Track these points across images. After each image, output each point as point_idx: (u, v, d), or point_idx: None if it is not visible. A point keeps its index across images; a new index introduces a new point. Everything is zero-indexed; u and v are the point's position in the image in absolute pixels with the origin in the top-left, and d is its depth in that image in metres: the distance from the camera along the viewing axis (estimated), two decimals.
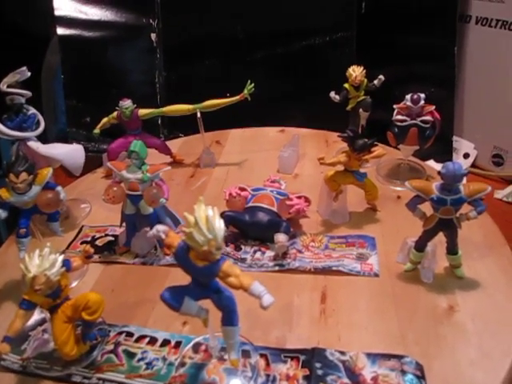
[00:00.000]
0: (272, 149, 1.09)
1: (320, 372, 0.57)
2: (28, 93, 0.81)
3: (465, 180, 0.67)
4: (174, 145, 1.14)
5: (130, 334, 0.65)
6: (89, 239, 0.85)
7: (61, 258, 0.56)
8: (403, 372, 0.56)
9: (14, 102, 0.80)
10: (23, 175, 0.66)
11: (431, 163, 1.32)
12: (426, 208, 0.67)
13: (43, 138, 0.86)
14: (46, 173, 0.70)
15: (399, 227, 0.81)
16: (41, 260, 0.54)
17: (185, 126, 1.27)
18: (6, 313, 0.71)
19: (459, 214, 0.65)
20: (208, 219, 0.45)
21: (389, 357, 0.58)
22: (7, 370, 0.62)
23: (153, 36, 1.50)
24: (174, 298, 0.49)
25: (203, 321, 0.52)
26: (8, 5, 1.62)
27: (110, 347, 0.63)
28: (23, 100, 0.81)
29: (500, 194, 1.39)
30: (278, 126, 1.22)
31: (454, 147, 1.50)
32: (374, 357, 0.58)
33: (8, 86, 0.78)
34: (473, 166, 1.53)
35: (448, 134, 1.46)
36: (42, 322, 0.68)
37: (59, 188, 0.71)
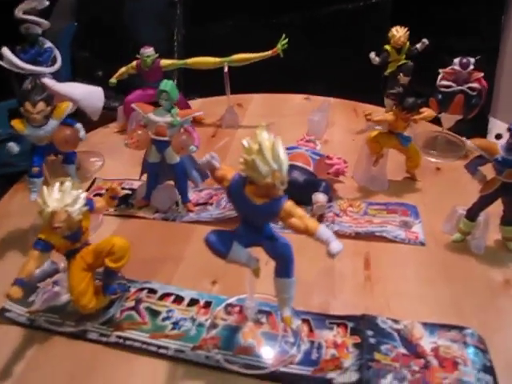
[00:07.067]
0: (297, 114, 1.02)
1: (373, 340, 0.50)
2: (46, 22, 0.72)
3: None
4: (192, 105, 1.06)
5: (152, 291, 0.58)
6: (102, 192, 0.78)
7: (84, 194, 0.49)
8: (465, 344, 0.50)
9: (29, 32, 0.71)
10: (40, 105, 0.59)
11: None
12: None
13: None
14: (65, 107, 0.63)
15: (441, 198, 0.75)
16: (61, 195, 0.47)
17: (201, 89, 1.20)
18: (11, 262, 0.64)
19: None
20: (274, 147, 0.38)
21: (448, 328, 0.52)
22: (13, 322, 0.54)
23: None
24: (222, 242, 0.42)
25: (254, 271, 0.45)
26: None
27: (131, 304, 0.56)
28: (40, 31, 0.73)
29: None
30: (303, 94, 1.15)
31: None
32: (431, 327, 0.52)
33: (24, 13, 0.70)
34: None
35: (484, 111, 1.38)
36: (53, 273, 0.60)
37: (79, 125, 0.64)
